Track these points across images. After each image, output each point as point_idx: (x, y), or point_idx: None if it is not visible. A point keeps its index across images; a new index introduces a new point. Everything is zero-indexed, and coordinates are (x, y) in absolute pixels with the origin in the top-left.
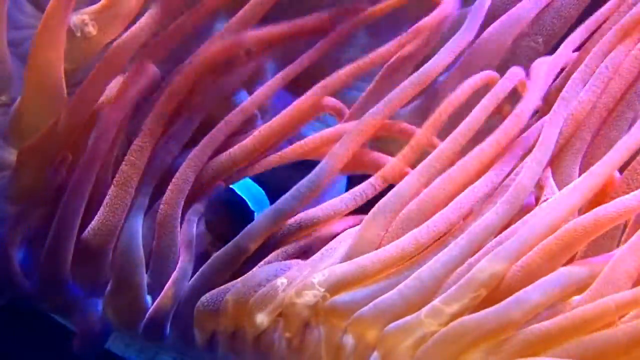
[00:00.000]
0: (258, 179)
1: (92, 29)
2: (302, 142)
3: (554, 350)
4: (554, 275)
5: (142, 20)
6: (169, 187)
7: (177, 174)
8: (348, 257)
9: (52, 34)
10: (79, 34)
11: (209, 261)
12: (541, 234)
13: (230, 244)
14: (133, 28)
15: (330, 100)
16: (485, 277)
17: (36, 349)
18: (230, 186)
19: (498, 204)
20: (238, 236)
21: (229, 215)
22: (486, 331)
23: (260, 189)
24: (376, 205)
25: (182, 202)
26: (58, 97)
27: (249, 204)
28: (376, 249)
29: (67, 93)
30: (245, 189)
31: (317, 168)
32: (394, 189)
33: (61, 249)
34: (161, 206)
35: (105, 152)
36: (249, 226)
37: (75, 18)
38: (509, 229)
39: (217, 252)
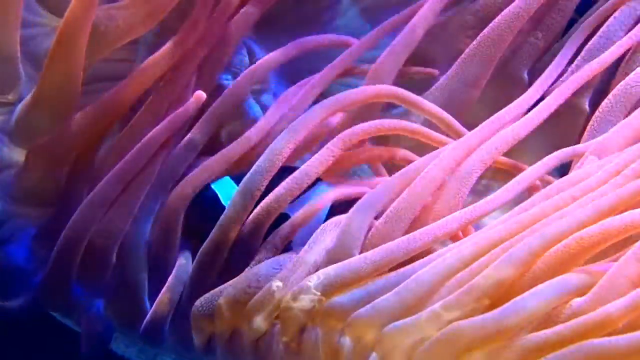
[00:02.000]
0: (238, 179)
1: (120, 23)
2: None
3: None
4: (552, 282)
5: (168, 45)
6: (174, 190)
7: (186, 181)
8: (334, 252)
9: (74, 37)
10: (103, 27)
11: (195, 261)
12: (549, 243)
13: (208, 239)
14: (159, 52)
15: None
16: (489, 284)
17: (38, 350)
18: (210, 184)
19: (507, 217)
20: (214, 230)
21: (201, 212)
22: (482, 336)
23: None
24: (360, 200)
25: (185, 208)
26: (71, 100)
27: (222, 200)
28: (361, 244)
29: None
30: (222, 186)
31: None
32: (379, 185)
33: (72, 253)
34: (163, 209)
35: (139, 168)
36: (221, 217)
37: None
38: (514, 239)
39: (200, 250)
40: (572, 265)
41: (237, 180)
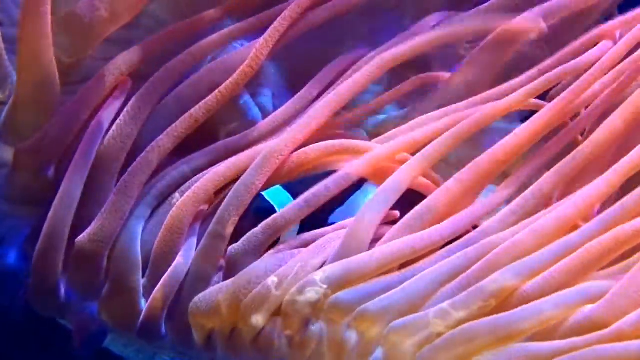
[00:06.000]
0: (288, 188)
1: (103, 12)
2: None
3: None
4: (571, 290)
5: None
6: (187, 194)
7: (199, 184)
8: (339, 255)
9: (35, 24)
10: (88, 19)
11: (193, 258)
12: (560, 256)
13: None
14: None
15: None
16: (496, 288)
17: (34, 348)
18: (261, 192)
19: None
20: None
21: (256, 221)
22: (494, 337)
23: (290, 196)
24: (365, 204)
25: (195, 212)
26: (51, 89)
27: (277, 210)
28: (367, 247)
29: (66, 91)
30: (275, 196)
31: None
32: (382, 186)
33: (52, 254)
34: (173, 209)
35: (91, 156)
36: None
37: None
38: (514, 238)
39: (198, 247)
40: (585, 274)
41: (288, 188)
